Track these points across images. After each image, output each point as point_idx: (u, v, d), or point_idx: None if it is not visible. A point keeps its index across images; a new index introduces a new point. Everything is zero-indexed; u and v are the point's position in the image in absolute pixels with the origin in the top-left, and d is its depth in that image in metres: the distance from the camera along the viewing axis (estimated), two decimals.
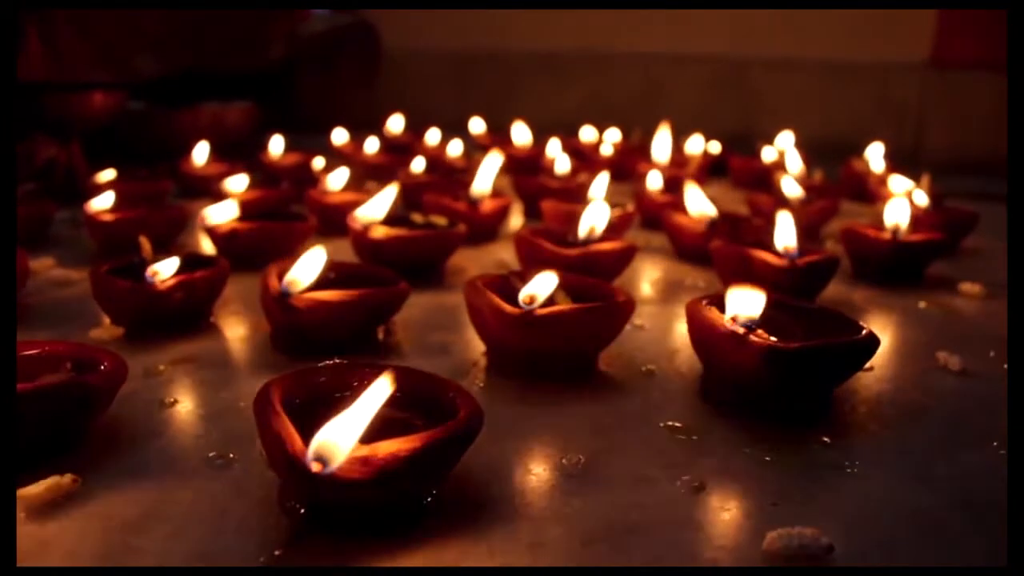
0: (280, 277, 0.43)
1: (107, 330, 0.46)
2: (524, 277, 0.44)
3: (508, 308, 0.38)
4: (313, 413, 0.30)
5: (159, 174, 0.83)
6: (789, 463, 0.34)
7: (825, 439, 0.36)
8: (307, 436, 0.27)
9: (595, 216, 0.52)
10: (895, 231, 0.60)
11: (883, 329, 0.51)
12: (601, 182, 0.66)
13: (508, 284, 0.43)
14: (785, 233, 0.51)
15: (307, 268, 0.41)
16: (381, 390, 0.27)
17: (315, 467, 0.25)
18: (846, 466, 0.34)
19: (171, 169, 0.86)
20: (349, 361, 0.34)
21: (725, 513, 0.30)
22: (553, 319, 0.38)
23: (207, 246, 0.68)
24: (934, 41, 1.18)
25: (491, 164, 0.64)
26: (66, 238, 0.68)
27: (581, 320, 0.38)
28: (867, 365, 0.44)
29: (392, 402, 0.32)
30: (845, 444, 0.36)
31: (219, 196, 0.72)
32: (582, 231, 0.52)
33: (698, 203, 0.61)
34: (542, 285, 0.38)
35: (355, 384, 0.32)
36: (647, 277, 0.60)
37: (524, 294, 0.38)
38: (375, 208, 0.55)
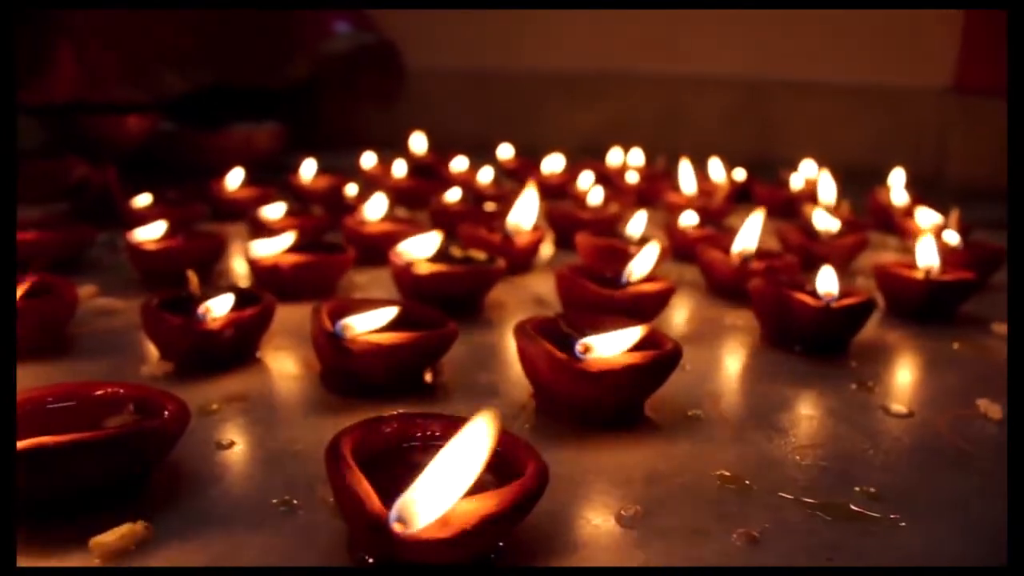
0: (331, 316, 0.44)
1: (158, 366, 0.46)
2: (571, 321, 0.45)
3: (563, 357, 0.38)
4: (379, 464, 0.31)
5: (189, 196, 0.84)
6: (838, 514, 0.34)
7: (871, 489, 0.37)
8: (376, 488, 0.28)
9: (645, 260, 0.53)
10: (928, 271, 0.60)
11: (920, 372, 0.52)
12: (639, 220, 0.67)
13: (556, 327, 0.44)
14: (828, 279, 0.52)
15: (371, 320, 0.42)
16: (479, 459, 0.27)
17: (397, 527, 0.25)
18: (892, 518, 0.34)
19: (201, 191, 0.87)
20: (415, 412, 0.34)
21: (782, 568, 0.31)
22: (609, 370, 0.38)
23: (240, 268, 0.69)
24: (956, 67, 1.18)
25: (529, 199, 0.65)
26: (106, 264, 0.69)
27: (636, 371, 0.39)
28: (906, 411, 0.45)
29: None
30: (890, 494, 0.36)
31: (253, 221, 0.73)
32: (627, 275, 0.53)
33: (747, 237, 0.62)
34: (610, 340, 0.39)
35: (419, 435, 0.33)
36: (681, 315, 0.61)
37: (582, 343, 0.38)
38: (421, 246, 0.55)
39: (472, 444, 0.27)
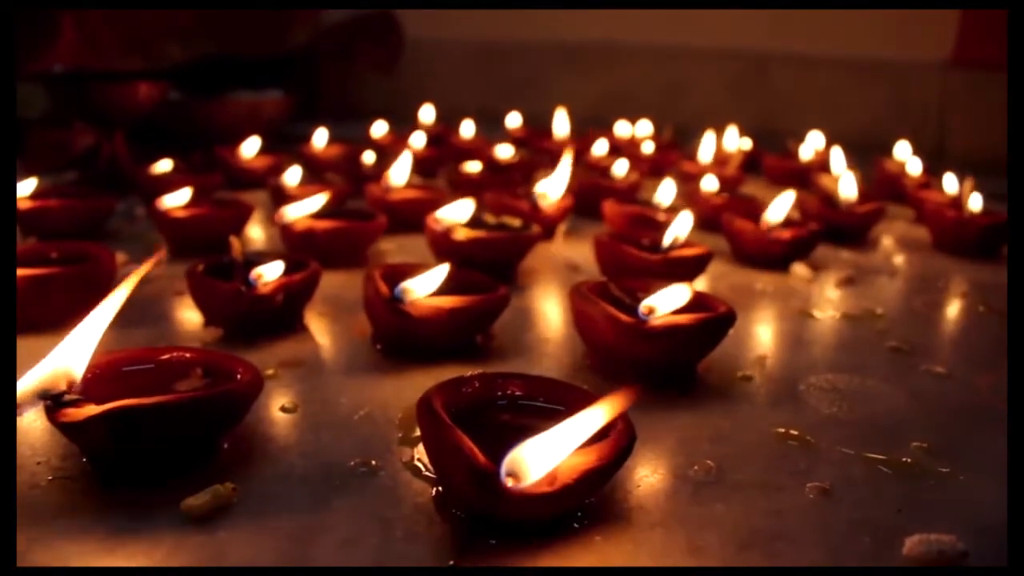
0: (386, 280, 0.44)
1: (208, 332, 0.46)
2: (621, 285, 0.45)
3: (625, 318, 0.39)
4: (462, 422, 0.31)
5: (198, 165, 0.83)
6: (899, 468, 0.36)
7: (923, 444, 0.38)
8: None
9: (681, 225, 0.53)
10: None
11: (952, 335, 0.53)
12: (668, 188, 0.67)
13: (606, 290, 0.44)
14: None
15: (428, 281, 0.42)
16: (594, 419, 0.28)
17: (509, 482, 0.26)
18: (948, 472, 0.35)
19: (207, 159, 0.86)
20: (496, 372, 0.35)
21: (858, 519, 0.32)
22: (670, 330, 0.39)
23: (257, 235, 0.69)
24: (956, 40, 1.19)
25: (563, 168, 0.65)
26: (127, 232, 0.68)
27: (695, 331, 0.39)
28: (944, 371, 0.46)
29: (533, 412, 0.33)
30: (941, 448, 0.37)
31: (275, 189, 0.72)
32: (668, 239, 0.53)
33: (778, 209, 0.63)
34: (667, 300, 0.39)
35: (499, 394, 0.34)
36: (712, 281, 0.61)
37: (645, 305, 0.39)
38: (458, 211, 0.55)
39: (591, 411, 0.27)
